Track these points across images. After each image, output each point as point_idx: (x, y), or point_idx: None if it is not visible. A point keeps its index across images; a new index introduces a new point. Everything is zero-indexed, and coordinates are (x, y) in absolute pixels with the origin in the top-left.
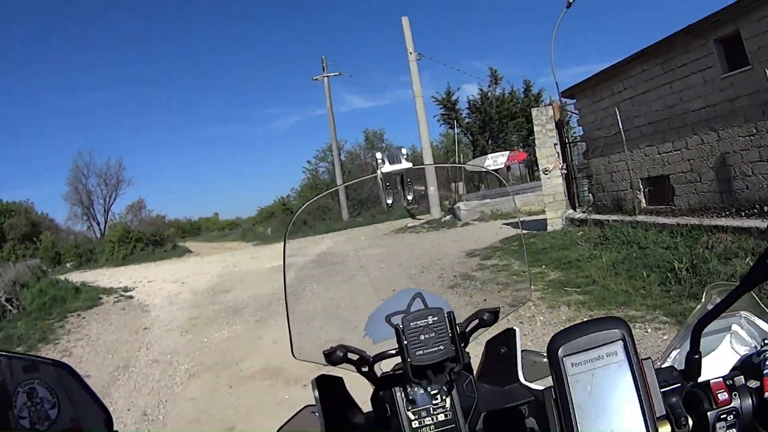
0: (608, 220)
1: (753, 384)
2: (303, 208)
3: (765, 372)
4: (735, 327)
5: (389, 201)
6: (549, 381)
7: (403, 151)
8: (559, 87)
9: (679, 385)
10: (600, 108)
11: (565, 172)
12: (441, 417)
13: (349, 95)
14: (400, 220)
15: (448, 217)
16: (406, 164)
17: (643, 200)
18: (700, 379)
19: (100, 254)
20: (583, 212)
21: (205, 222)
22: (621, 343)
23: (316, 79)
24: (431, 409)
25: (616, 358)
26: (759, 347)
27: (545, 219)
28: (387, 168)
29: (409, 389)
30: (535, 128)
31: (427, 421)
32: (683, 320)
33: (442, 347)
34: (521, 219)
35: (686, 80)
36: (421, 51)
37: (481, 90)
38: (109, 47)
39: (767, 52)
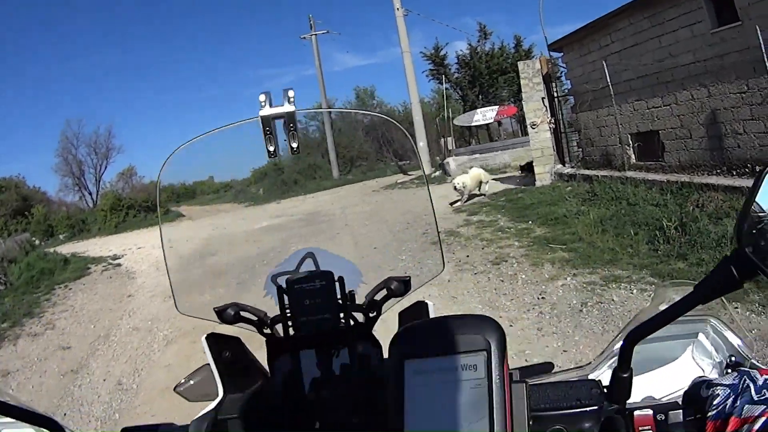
0: (597, 176)
1: (694, 423)
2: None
3: (709, 414)
4: (701, 336)
5: (270, 149)
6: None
7: (290, 93)
8: (548, 42)
9: (596, 407)
10: (587, 61)
11: (553, 126)
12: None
13: (340, 54)
14: (392, 177)
15: (438, 173)
16: (288, 107)
17: (633, 156)
18: (630, 401)
19: (92, 224)
20: (572, 167)
21: (200, 185)
22: (484, 355)
23: (304, 38)
24: (330, 378)
25: (474, 374)
26: (722, 365)
27: (534, 174)
28: (266, 111)
29: (310, 354)
30: (522, 82)
31: (324, 393)
32: (670, 281)
33: (328, 315)
34: (511, 174)
35: (675, 34)
36: (409, 7)
37: (470, 45)
38: (91, 11)
39: (757, 9)
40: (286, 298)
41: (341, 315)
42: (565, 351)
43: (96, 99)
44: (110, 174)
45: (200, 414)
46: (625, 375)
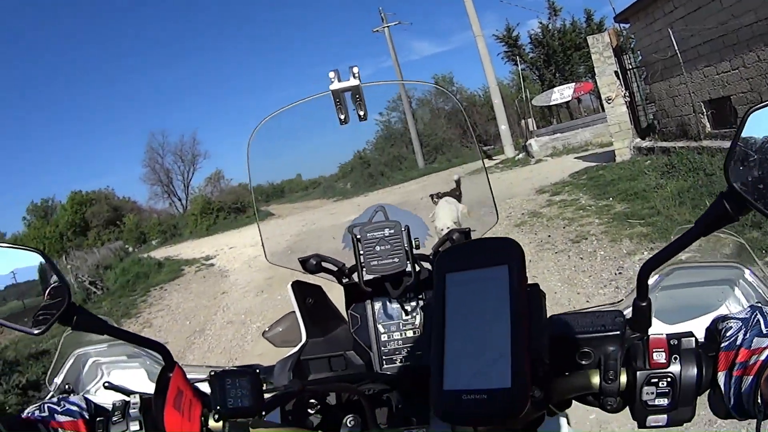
0: (674, 147)
1: (709, 352)
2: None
3: (721, 345)
4: (735, 285)
5: (342, 117)
6: None
7: (354, 70)
8: (615, 13)
9: (618, 332)
10: (654, 30)
11: (628, 99)
12: (409, 333)
13: (416, 43)
14: (477, 162)
15: (521, 155)
16: (354, 81)
17: (708, 124)
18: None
19: (183, 228)
20: (650, 140)
21: (288, 184)
22: (506, 267)
23: (377, 31)
24: (401, 324)
25: (498, 284)
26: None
27: (613, 150)
28: (336, 85)
29: (384, 303)
30: (593, 56)
31: (396, 336)
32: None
33: (396, 260)
34: (593, 151)
35: None
36: None
37: (541, 23)
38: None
39: None
40: (360, 246)
41: (408, 261)
42: None
43: (178, 108)
44: (198, 179)
45: (285, 356)
46: (643, 304)
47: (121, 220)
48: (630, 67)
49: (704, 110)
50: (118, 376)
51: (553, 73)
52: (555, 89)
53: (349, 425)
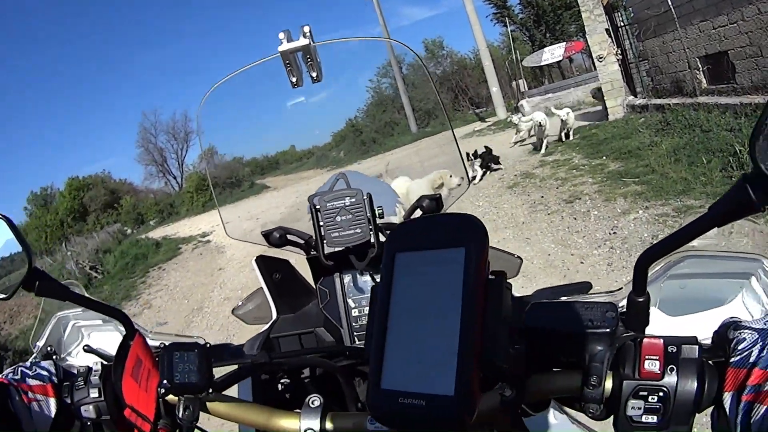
0: (669, 104)
1: (711, 364)
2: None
3: (731, 360)
4: (753, 278)
5: (293, 79)
6: None
7: (305, 29)
8: None
9: (608, 330)
10: None
11: (620, 57)
12: None
13: (406, 8)
14: (469, 125)
15: (513, 117)
16: (303, 41)
17: (704, 80)
18: (653, 331)
19: (180, 206)
20: (644, 98)
21: (282, 156)
22: (463, 250)
23: None
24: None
25: (453, 269)
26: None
27: (606, 108)
28: (284, 46)
29: (354, 276)
30: (583, 15)
31: (367, 310)
32: None
33: (359, 230)
34: (585, 110)
35: None
36: None
37: None
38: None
39: None
40: (319, 217)
41: (371, 231)
42: None
43: (168, 87)
44: (191, 157)
45: (255, 335)
46: (640, 299)
47: (118, 202)
48: (622, 24)
49: (700, 66)
50: (98, 339)
51: (543, 33)
52: (545, 49)
53: (311, 405)
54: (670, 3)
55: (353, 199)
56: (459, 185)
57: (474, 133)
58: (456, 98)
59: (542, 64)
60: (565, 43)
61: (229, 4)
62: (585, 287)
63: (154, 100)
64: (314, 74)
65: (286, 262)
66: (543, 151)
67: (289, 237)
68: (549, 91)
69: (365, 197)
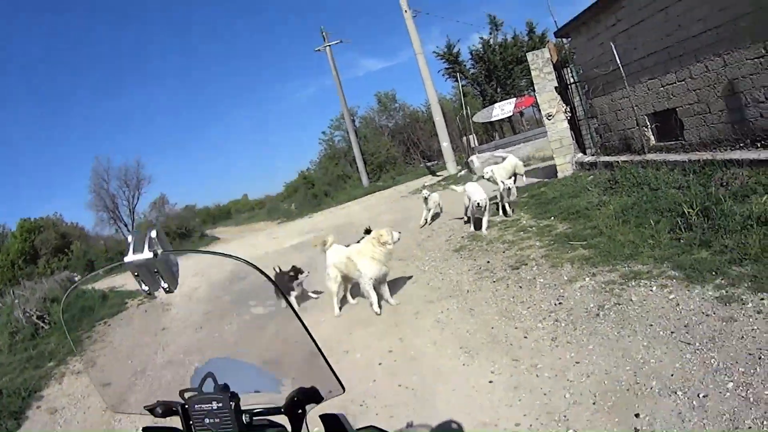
0: (617, 162)
1: None
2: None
3: None
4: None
5: (145, 288)
6: None
7: (153, 234)
8: (559, 26)
9: None
10: (596, 44)
11: (569, 115)
12: None
13: (362, 59)
14: (420, 179)
15: (463, 172)
16: (147, 254)
17: (652, 137)
18: None
19: None
20: (593, 155)
21: (235, 205)
22: None
23: (318, 50)
24: None
25: None
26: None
27: (555, 165)
28: (129, 257)
29: None
30: (533, 73)
31: None
32: (692, 274)
33: None
34: (535, 166)
35: (682, 4)
36: (418, 7)
37: (482, 38)
38: (105, 51)
39: None
40: (189, 415)
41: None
42: (577, 363)
43: (124, 134)
44: (143, 204)
45: None
46: None
47: (69, 247)
48: (571, 81)
49: (648, 123)
50: None
51: (494, 88)
52: (496, 105)
53: None
54: (618, 62)
55: (219, 404)
56: (399, 239)
57: (423, 188)
58: (408, 151)
59: (492, 119)
60: (515, 98)
61: (181, 53)
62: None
63: (108, 144)
64: (166, 285)
65: (175, 429)
66: (484, 231)
67: (173, 408)
68: (499, 146)
69: (231, 404)
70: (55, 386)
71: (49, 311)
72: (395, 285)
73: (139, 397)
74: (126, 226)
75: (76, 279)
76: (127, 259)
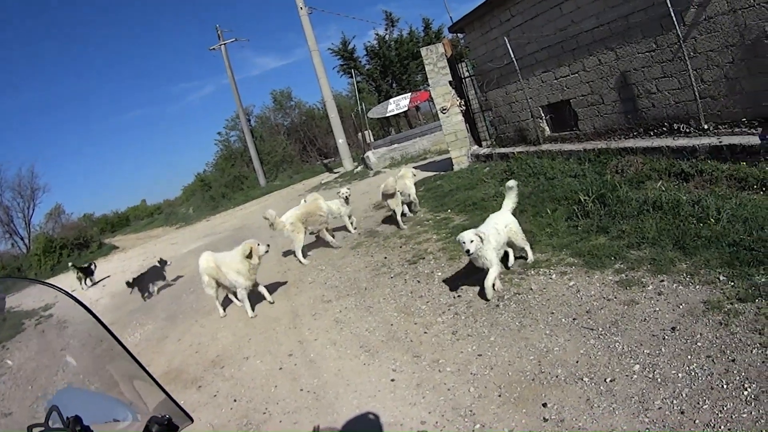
0: (513, 153)
1: None
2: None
3: None
4: None
5: None
6: None
7: None
8: (454, 21)
9: None
10: (490, 39)
11: (464, 108)
12: None
13: (258, 58)
14: (317, 177)
15: (359, 168)
16: None
17: (547, 128)
18: None
19: (28, 270)
20: (488, 147)
21: (133, 211)
22: None
23: (213, 49)
24: None
25: None
26: None
27: (451, 159)
28: None
29: None
30: (427, 68)
31: None
32: (591, 260)
33: None
34: (431, 159)
35: (576, 0)
36: (314, 4)
37: (377, 34)
38: None
39: None
40: None
41: None
42: (480, 355)
43: (13, 140)
44: (39, 215)
45: None
46: None
47: None
48: (465, 76)
49: (542, 114)
50: None
51: (390, 84)
52: (391, 100)
53: None
54: (512, 55)
55: None
56: (267, 252)
57: (321, 186)
58: (304, 149)
59: (387, 115)
60: (410, 93)
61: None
62: None
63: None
64: None
65: None
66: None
67: None
68: (395, 141)
69: None
70: None
71: None
72: (293, 285)
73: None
74: (22, 239)
75: None
76: None
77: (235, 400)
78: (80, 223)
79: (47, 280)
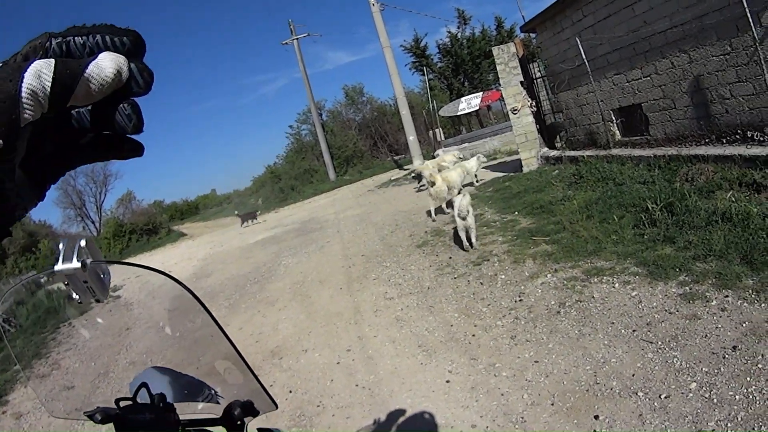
0: (583, 156)
1: None
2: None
3: None
4: None
5: (75, 296)
6: None
7: (83, 243)
8: (526, 20)
9: None
10: (562, 39)
11: (535, 109)
12: None
13: (330, 53)
14: (387, 173)
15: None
16: (75, 264)
17: (617, 132)
18: None
19: None
20: (559, 150)
21: (203, 200)
22: None
23: (285, 43)
24: None
25: None
26: None
27: (520, 159)
28: (59, 266)
29: None
30: (498, 67)
31: None
32: (655, 270)
33: None
34: (501, 160)
35: (648, 1)
36: (386, 1)
37: (449, 32)
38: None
39: None
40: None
41: None
42: (536, 362)
43: None
44: (110, 201)
45: None
46: None
47: (36, 246)
48: (536, 76)
49: (613, 118)
50: None
51: (461, 82)
52: (462, 99)
53: None
54: (584, 57)
55: (152, 415)
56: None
57: (390, 183)
58: (375, 145)
59: (459, 113)
60: (482, 92)
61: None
62: None
63: None
64: (95, 295)
65: None
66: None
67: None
68: (465, 140)
69: (166, 415)
70: (20, 390)
71: (15, 314)
72: (357, 281)
73: (80, 402)
74: (93, 223)
75: (42, 281)
76: (57, 268)
77: (290, 392)
78: (150, 210)
79: (112, 267)
